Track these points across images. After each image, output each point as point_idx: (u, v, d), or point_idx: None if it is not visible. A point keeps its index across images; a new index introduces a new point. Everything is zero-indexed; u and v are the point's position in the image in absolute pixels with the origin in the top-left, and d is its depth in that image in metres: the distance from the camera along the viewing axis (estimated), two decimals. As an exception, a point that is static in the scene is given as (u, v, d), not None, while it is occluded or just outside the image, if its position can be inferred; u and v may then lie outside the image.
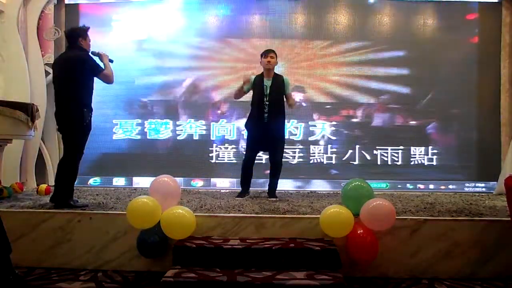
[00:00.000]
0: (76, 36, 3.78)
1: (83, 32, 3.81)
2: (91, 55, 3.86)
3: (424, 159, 5.61)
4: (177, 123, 5.76)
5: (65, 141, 3.73)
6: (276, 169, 4.40)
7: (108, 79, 3.83)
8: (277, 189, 4.52)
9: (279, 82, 4.35)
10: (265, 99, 4.30)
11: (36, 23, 5.47)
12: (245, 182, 4.49)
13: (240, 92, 4.42)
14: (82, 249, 3.32)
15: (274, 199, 4.31)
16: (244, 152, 4.59)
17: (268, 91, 4.31)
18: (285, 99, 4.38)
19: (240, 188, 4.54)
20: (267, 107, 4.29)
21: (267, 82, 4.33)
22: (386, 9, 5.69)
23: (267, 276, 2.75)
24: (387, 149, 5.63)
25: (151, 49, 5.81)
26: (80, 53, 3.72)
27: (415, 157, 5.62)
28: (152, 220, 3.15)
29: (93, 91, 3.80)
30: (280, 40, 5.66)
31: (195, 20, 5.81)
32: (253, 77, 4.40)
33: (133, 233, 3.20)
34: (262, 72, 4.39)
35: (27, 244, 3.31)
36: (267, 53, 4.33)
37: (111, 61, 4.00)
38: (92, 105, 3.77)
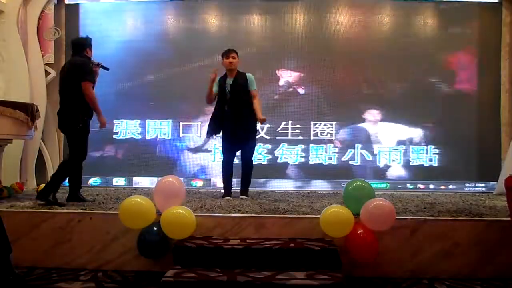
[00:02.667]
0: (84, 46, 3.98)
1: (90, 42, 4.02)
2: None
3: (424, 159, 5.61)
4: (177, 122, 5.76)
5: (67, 141, 3.97)
6: (246, 168, 4.35)
7: (86, 91, 3.78)
8: (278, 189, 4.51)
9: (241, 80, 4.28)
10: (226, 98, 4.25)
11: (36, 23, 5.47)
12: (227, 184, 4.42)
13: (211, 95, 4.30)
14: (82, 249, 3.32)
15: (245, 197, 4.24)
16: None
17: (229, 90, 4.25)
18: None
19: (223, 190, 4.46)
20: (228, 107, 4.23)
21: (229, 81, 4.28)
22: (387, 8, 5.69)
23: (267, 276, 2.75)
24: (387, 149, 5.63)
25: (151, 48, 5.80)
26: (82, 59, 3.91)
27: (415, 157, 5.62)
28: (146, 220, 3.17)
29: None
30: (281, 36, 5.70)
31: (195, 19, 5.81)
32: (219, 77, 4.31)
33: (133, 233, 3.20)
34: (225, 73, 4.32)
35: (27, 244, 3.31)
36: (228, 53, 4.26)
37: (106, 68, 4.14)
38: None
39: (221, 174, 4.44)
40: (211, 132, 4.38)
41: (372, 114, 5.66)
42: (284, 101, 5.69)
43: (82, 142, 3.87)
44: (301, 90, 5.70)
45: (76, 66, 3.86)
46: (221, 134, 4.39)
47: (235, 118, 4.21)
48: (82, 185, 4.12)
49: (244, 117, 4.24)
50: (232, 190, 4.44)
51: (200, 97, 5.65)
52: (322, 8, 5.72)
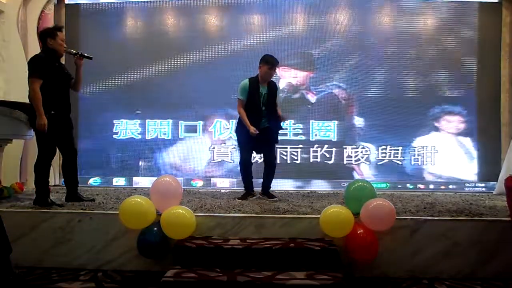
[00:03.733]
0: (44, 37, 3.74)
1: (51, 32, 3.73)
2: (67, 54, 3.88)
3: (424, 159, 5.61)
4: (177, 122, 5.75)
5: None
6: (272, 169, 4.31)
7: (30, 87, 3.55)
8: (278, 189, 4.50)
9: (273, 89, 4.26)
10: (262, 106, 4.18)
11: (36, 23, 5.46)
12: (249, 183, 4.35)
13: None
14: (82, 249, 3.33)
15: (275, 198, 4.26)
16: (240, 154, 4.42)
17: (265, 98, 4.19)
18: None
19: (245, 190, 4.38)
20: (265, 114, 4.20)
21: (263, 89, 4.19)
22: (386, 8, 5.69)
23: (267, 276, 2.76)
24: (386, 149, 5.63)
25: (151, 48, 5.80)
26: (35, 55, 3.74)
27: (415, 157, 5.62)
28: (146, 220, 3.17)
29: (57, 92, 3.70)
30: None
31: (195, 20, 5.81)
32: (247, 81, 4.22)
33: (133, 233, 3.21)
34: (257, 76, 4.20)
35: (27, 244, 3.31)
36: (274, 66, 4.14)
37: (89, 57, 3.93)
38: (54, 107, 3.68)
39: (239, 174, 4.39)
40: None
41: (373, 115, 5.65)
42: (284, 100, 5.68)
43: (47, 139, 3.66)
44: (302, 90, 5.70)
45: (28, 62, 3.72)
46: (242, 136, 4.28)
47: (268, 126, 4.21)
48: (82, 186, 4.10)
49: (276, 127, 4.26)
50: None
51: (200, 97, 5.74)
52: (322, 7, 5.73)
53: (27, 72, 3.64)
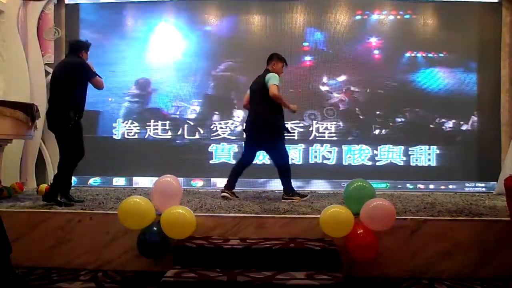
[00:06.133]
0: (80, 48, 4.00)
1: (87, 47, 4.05)
2: None
3: (424, 159, 5.61)
4: (177, 122, 5.76)
5: (57, 141, 3.94)
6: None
7: (98, 85, 4.00)
8: (278, 189, 4.51)
9: None
10: None
11: (36, 23, 5.47)
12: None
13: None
14: (82, 249, 3.33)
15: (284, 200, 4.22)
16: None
17: None
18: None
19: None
20: None
21: None
22: (386, 8, 5.69)
23: (267, 276, 2.76)
24: (386, 149, 5.63)
25: (151, 47, 5.81)
26: (78, 59, 3.94)
27: (415, 157, 5.62)
28: (145, 220, 3.17)
29: (85, 96, 3.98)
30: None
31: (195, 20, 5.82)
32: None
33: (133, 233, 3.20)
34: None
35: (27, 244, 3.31)
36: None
37: (99, 77, 4.16)
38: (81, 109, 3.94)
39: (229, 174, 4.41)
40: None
41: (371, 114, 5.66)
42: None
43: (76, 140, 3.87)
44: (302, 89, 5.70)
45: (74, 66, 3.86)
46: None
47: None
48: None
49: None
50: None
51: (200, 96, 5.74)
52: (322, 8, 5.73)
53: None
